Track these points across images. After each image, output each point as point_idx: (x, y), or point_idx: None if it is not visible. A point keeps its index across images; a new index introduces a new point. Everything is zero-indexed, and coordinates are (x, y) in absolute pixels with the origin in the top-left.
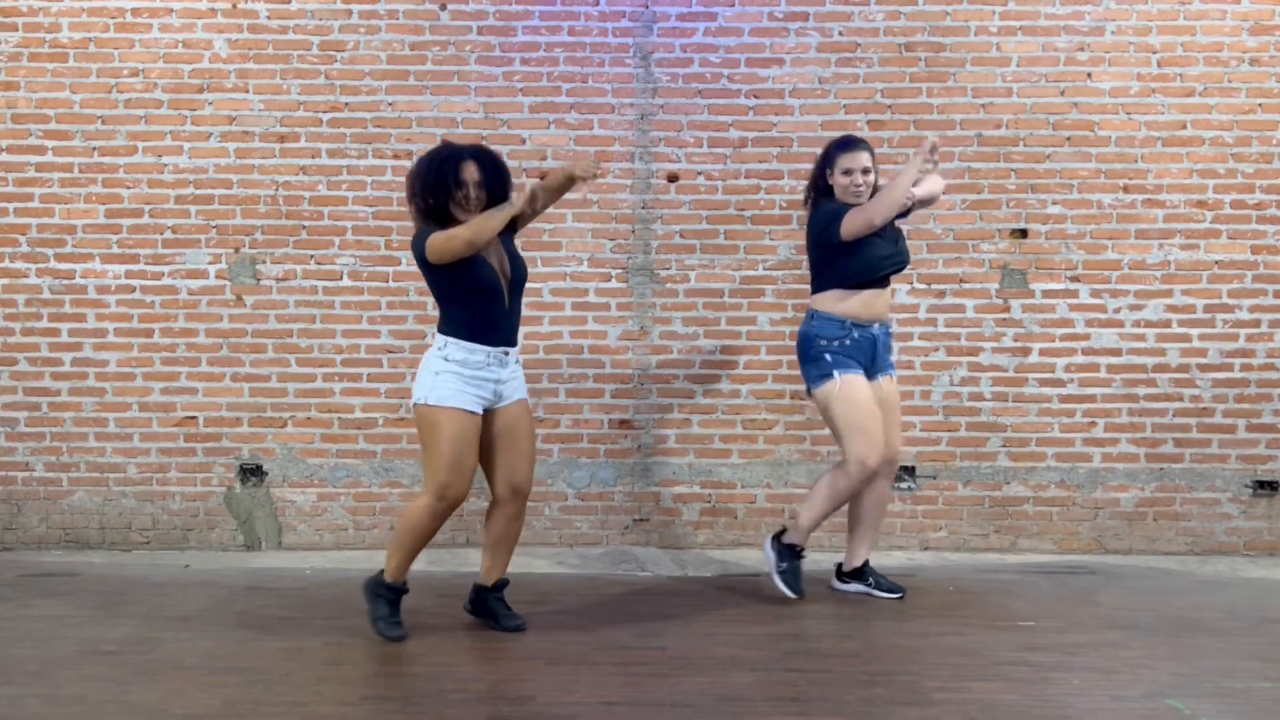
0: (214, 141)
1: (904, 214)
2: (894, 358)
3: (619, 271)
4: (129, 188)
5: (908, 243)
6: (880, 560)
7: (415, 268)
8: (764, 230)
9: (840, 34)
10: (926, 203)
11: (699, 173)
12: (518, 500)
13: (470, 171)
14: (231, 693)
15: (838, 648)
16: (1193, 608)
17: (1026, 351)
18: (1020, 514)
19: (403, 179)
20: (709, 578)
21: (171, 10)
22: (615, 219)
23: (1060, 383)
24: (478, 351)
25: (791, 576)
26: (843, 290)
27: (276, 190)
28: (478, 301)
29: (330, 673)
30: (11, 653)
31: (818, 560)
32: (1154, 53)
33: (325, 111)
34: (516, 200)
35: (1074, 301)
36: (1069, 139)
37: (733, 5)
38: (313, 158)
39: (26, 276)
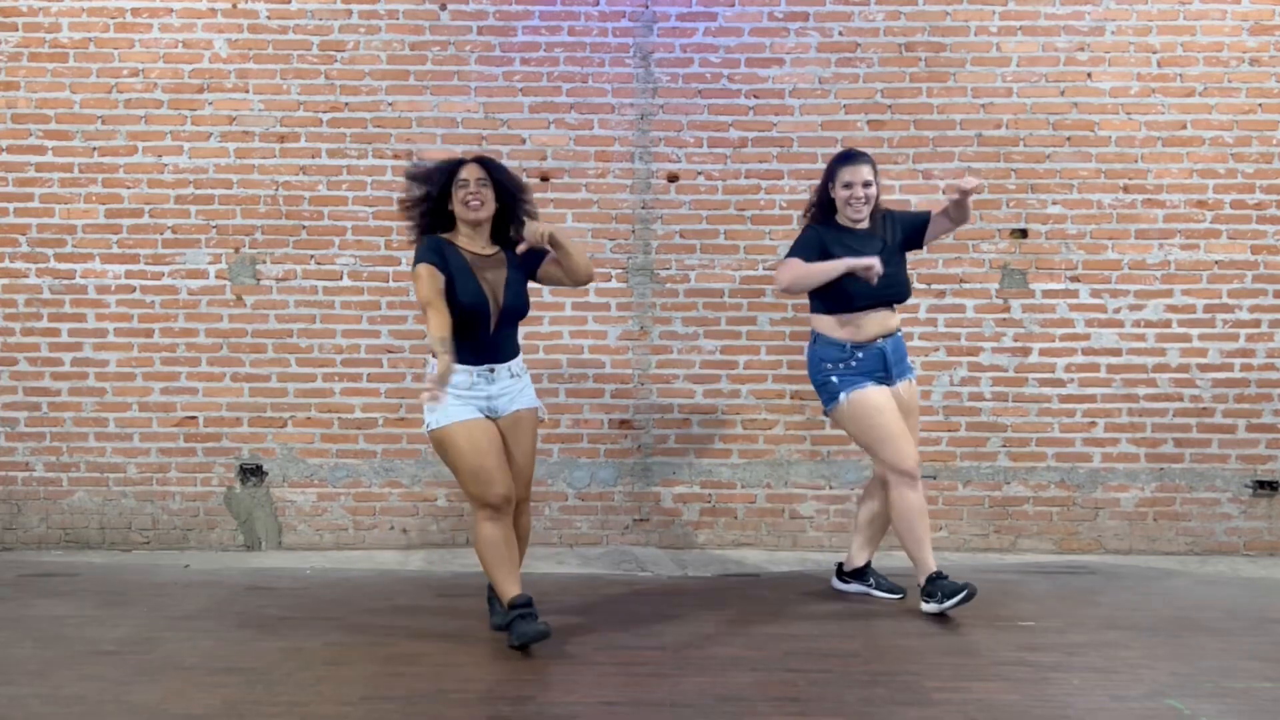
0: (214, 141)
1: (899, 299)
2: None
3: (619, 271)
4: (129, 188)
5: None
6: (880, 560)
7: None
8: (764, 230)
9: (840, 34)
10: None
11: (699, 173)
12: (508, 508)
13: (471, 170)
14: (231, 693)
15: (838, 648)
16: (1193, 608)
17: (1026, 351)
18: (1020, 514)
19: (403, 179)
20: (709, 578)
21: (171, 10)
22: (615, 219)
23: (1060, 383)
24: (460, 372)
25: (948, 592)
26: (835, 315)
27: (276, 190)
28: (462, 322)
29: (330, 673)
30: (11, 653)
31: (817, 560)
32: (1154, 53)
33: (325, 111)
34: (444, 363)
35: (1074, 301)
36: (1069, 139)
37: (733, 5)
38: (313, 158)
39: (26, 276)
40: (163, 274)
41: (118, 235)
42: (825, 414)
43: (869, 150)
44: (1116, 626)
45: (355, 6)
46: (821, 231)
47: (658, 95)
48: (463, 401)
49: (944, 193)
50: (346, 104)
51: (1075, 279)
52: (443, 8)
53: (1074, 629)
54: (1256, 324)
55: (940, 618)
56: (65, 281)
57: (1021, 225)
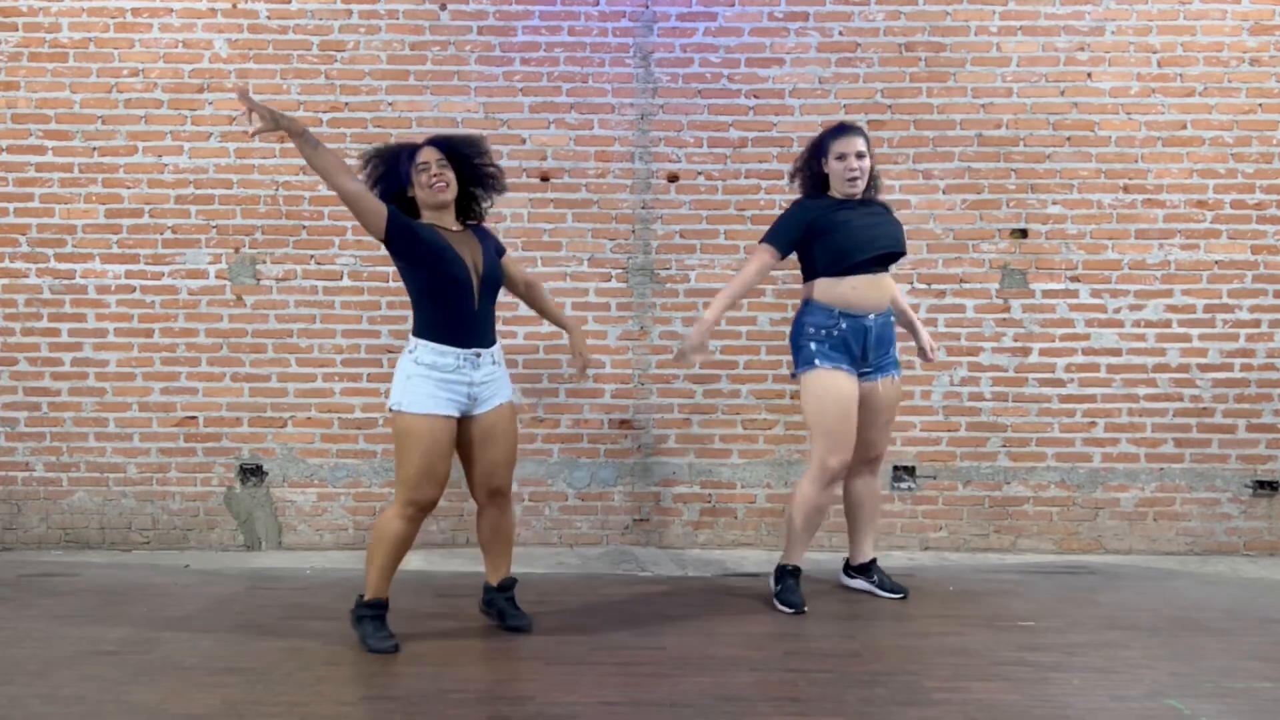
0: (214, 141)
1: (896, 253)
2: (896, 354)
3: (619, 271)
4: (129, 188)
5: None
6: (880, 560)
7: None
8: (764, 230)
9: (840, 34)
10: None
11: (699, 173)
12: (498, 501)
13: (429, 153)
14: (231, 693)
15: (838, 648)
16: (1193, 608)
17: (1026, 351)
18: (1020, 514)
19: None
20: (709, 578)
21: (171, 10)
22: (615, 219)
23: (1060, 383)
24: (447, 354)
25: (788, 594)
26: (830, 277)
27: (276, 190)
28: (446, 299)
29: (330, 673)
30: (11, 653)
31: (818, 560)
32: (1154, 53)
33: (325, 111)
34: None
35: (1074, 301)
36: (1069, 139)
37: (733, 5)
38: None
39: (26, 276)
40: (163, 274)
41: (118, 235)
42: (792, 375)
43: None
44: (1116, 626)
45: (355, 6)
46: (808, 207)
47: (658, 95)
48: (443, 391)
49: (921, 352)
50: (346, 104)
51: (1075, 279)
52: (443, 8)
53: (1074, 629)
54: (1256, 324)
55: (941, 618)
56: (65, 281)
57: (1021, 225)
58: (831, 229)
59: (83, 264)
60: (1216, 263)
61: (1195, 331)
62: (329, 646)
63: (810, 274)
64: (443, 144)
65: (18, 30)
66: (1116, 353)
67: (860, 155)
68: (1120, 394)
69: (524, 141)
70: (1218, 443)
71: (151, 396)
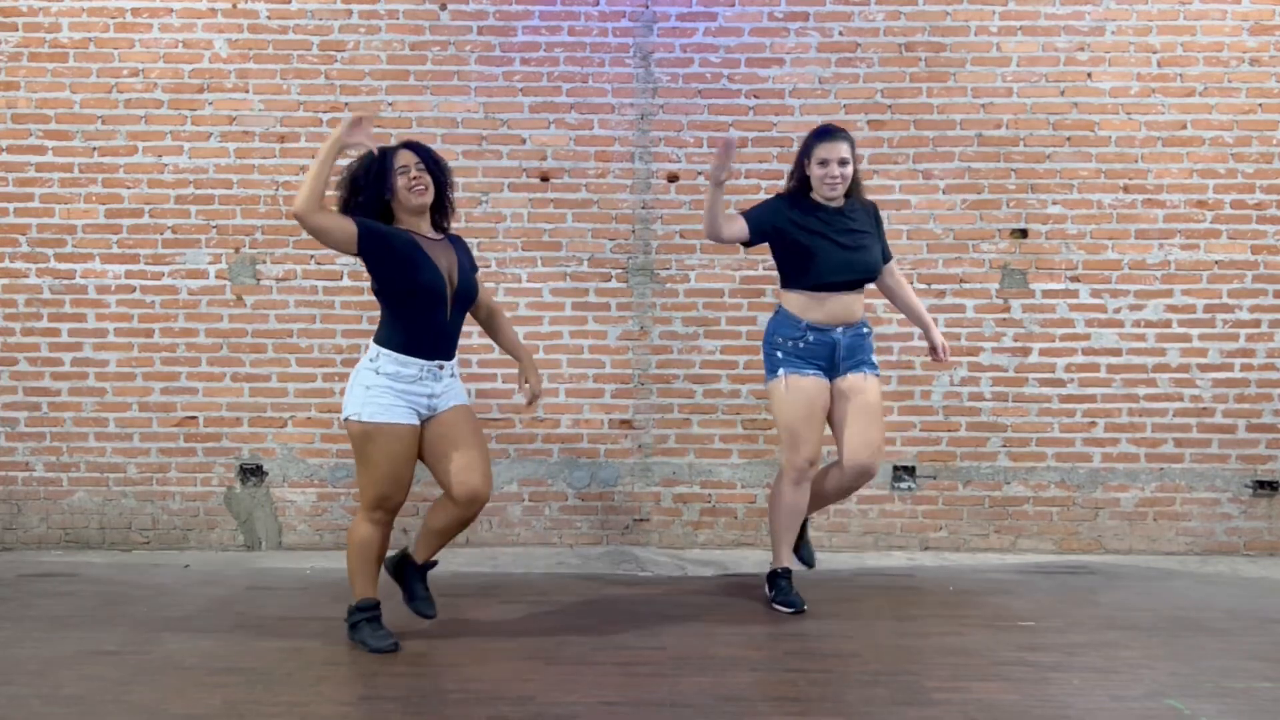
0: (214, 141)
1: (868, 278)
2: (876, 357)
3: (619, 271)
4: (129, 188)
5: (905, 242)
6: (880, 560)
7: None
8: None
9: (840, 34)
10: None
11: (699, 173)
12: (474, 507)
13: (408, 155)
14: (231, 693)
15: (838, 648)
16: (1193, 608)
17: (1026, 351)
18: (1020, 514)
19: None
20: (709, 578)
21: (171, 10)
22: (615, 219)
23: (1060, 383)
24: (410, 365)
25: (783, 595)
26: (799, 292)
27: (276, 190)
28: (418, 308)
29: (330, 673)
30: (11, 653)
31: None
32: (1154, 53)
33: (325, 111)
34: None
35: (1074, 301)
36: (1069, 139)
37: (733, 5)
38: (312, 158)
39: (26, 276)
40: (163, 274)
41: (118, 235)
42: (765, 384)
43: (869, 150)
44: (1116, 626)
45: (355, 6)
46: (784, 203)
47: (658, 95)
48: (402, 400)
49: (932, 350)
50: (346, 104)
51: (1075, 279)
52: (443, 8)
53: (1074, 629)
54: (1256, 324)
55: (941, 618)
56: (65, 281)
57: (1021, 225)
58: (803, 243)
59: (83, 264)
60: (1216, 263)
61: (1195, 331)
62: (329, 646)
63: (783, 282)
64: (420, 149)
65: (18, 30)
66: (1116, 353)
67: (843, 162)
68: (1120, 394)
69: (524, 141)
70: (1218, 443)
71: (151, 396)
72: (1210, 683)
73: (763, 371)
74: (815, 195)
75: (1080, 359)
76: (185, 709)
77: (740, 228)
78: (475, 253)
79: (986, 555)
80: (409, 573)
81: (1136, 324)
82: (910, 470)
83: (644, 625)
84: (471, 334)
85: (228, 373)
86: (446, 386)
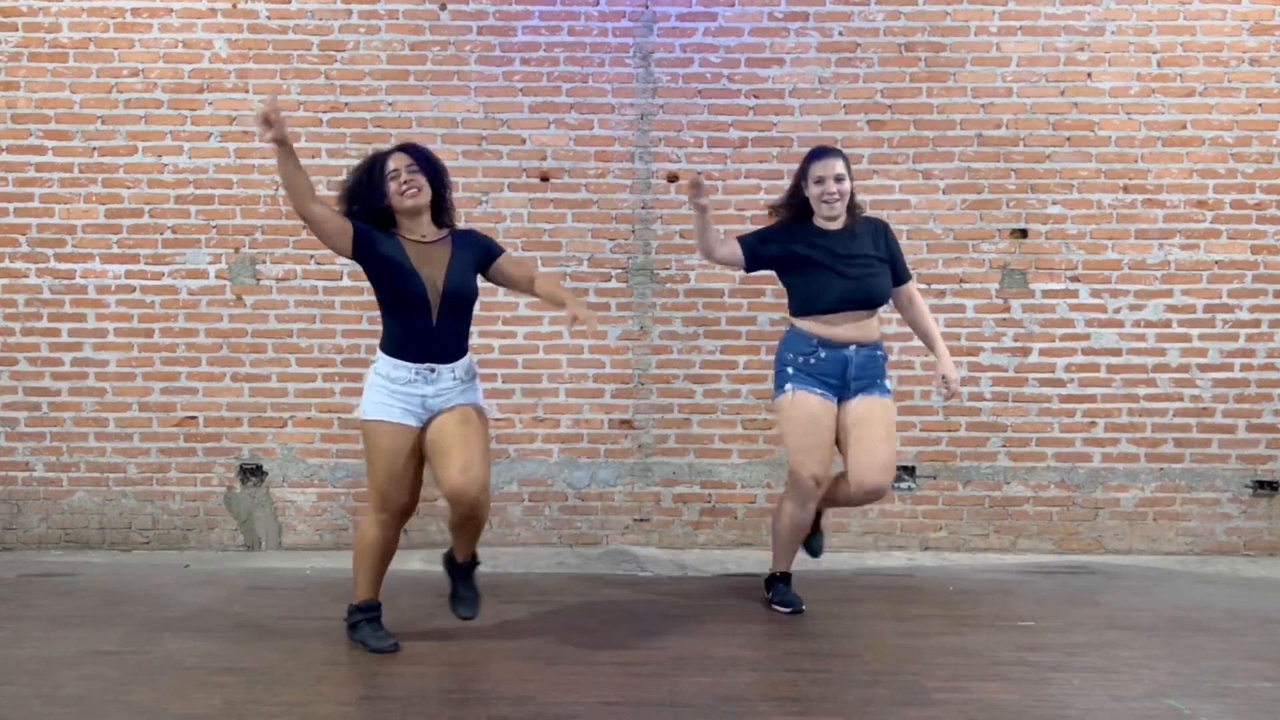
0: (214, 141)
1: (873, 305)
2: (889, 381)
3: (619, 271)
4: (129, 188)
5: (906, 242)
6: (880, 560)
7: None
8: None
9: (840, 34)
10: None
11: (699, 173)
12: (462, 505)
13: (399, 159)
14: (231, 693)
15: (838, 648)
16: (1193, 608)
17: (1026, 351)
18: (1020, 514)
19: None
20: (709, 578)
21: (171, 10)
22: (615, 219)
23: (1060, 383)
24: (401, 368)
25: (780, 595)
26: (806, 318)
27: (276, 190)
28: (403, 314)
29: (330, 673)
30: (11, 653)
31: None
32: (1154, 53)
33: (325, 111)
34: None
35: (1074, 301)
36: (1069, 139)
37: (733, 5)
38: (313, 158)
39: (26, 276)
40: (163, 274)
41: (118, 235)
42: (772, 401)
43: (869, 150)
44: (1116, 626)
45: (355, 6)
46: (784, 232)
47: (658, 95)
48: (396, 399)
49: (937, 387)
50: (346, 104)
51: (1075, 279)
52: (443, 8)
53: (1074, 629)
54: (1256, 324)
55: (941, 618)
56: (65, 281)
57: (1021, 225)
58: (802, 274)
59: (83, 264)
60: (1216, 263)
61: (1195, 331)
62: (329, 646)
63: (793, 309)
64: (413, 150)
65: (18, 30)
66: (1116, 353)
67: (839, 178)
68: (1120, 394)
69: (524, 141)
70: (1218, 443)
71: (151, 396)
72: (1210, 683)
73: (763, 371)
74: (816, 219)
75: (1080, 359)
76: (185, 709)
77: (734, 251)
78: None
79: (986, 555)
80: (450, 570)
81: (1136, 324)
82: (910, 470)
83: (644, 625)
84: (473, 334)
85: (228, 373)
86: (445, 389)
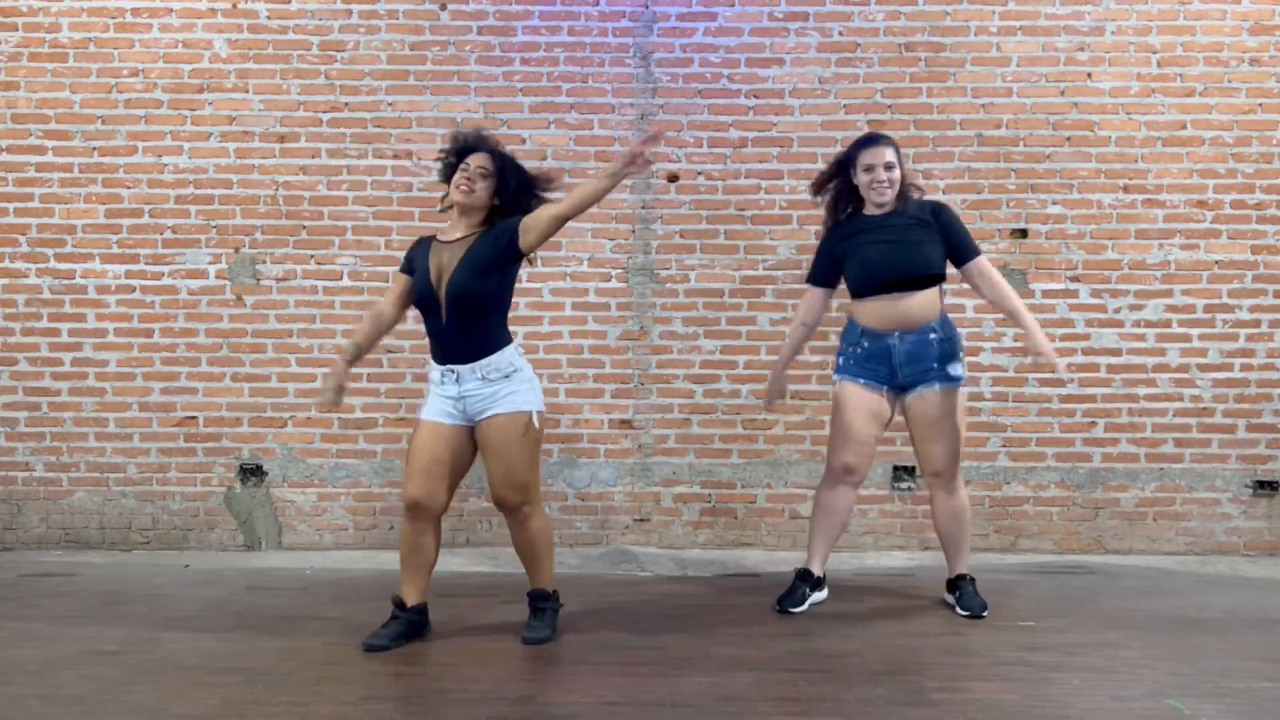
0: (214, 141)
1: (912, 277)
2: (952, 370)
3: (619, 271)
4: (129, 188)
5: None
6: (880, 560)
7: None
8: (764, 230)
9: (840, 34)
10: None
11: (699, 173)
12: (507, 513)
13: (476, 158)
14: (231, 693)
15: (838, 648)
16: (1193, 608)
17: (1027, 351)
18: (1020, 514)
19: (403, 179)
20: (709, 578)
21: (171, 10)
22: (615, 219)
23: (1060, 383)
24: (434, 369)
25: (787, 596)
26: (855, 301)
27: (276, 190)
28: (425, 317)
29: (330, 673)
30: (11, 653)
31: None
32: (1154, 53)
33: (325, 111)
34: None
35: (1074, 301)
36: (1069, 139)
37: (733, 5)
38: (313, 158)
39: (26, 276)
40: (163, 274)
41: (118, 235)
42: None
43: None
44: (1116, 626)
45: (355, 6)
46: (833, 242)
47: (658, 95)
48: (435, 400)
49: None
50: (346, 104)
51: (1075, 279)
52: (443, 8)
53: (1074, 629)
54: (1256, 324)
55: (941, 618)
56: (65, 281)
57: (1021, 225)
58: (848, 255)
59: (83, 264)
60: (1216, 263)
61: (1195, 331)
62: (329, 646)
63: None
64: (495, 156)
65: (18, 30)
66: (1116, 353)
67: (889, 166)
68: (1120, 394)
69: (524, 141)
70: (1218, 443)
71: (151, 396)
72: (1210, 683)
73: (763, 371)
74: (866, 207)
75: (1080, 359)
76: (185, 709)
77: (809, 296)
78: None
79: (986, 555)
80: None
81: (1136, 324)
82: (910, 470)
83: (644, 625)
84: None
85: (228, 373)
86: (472, 390)
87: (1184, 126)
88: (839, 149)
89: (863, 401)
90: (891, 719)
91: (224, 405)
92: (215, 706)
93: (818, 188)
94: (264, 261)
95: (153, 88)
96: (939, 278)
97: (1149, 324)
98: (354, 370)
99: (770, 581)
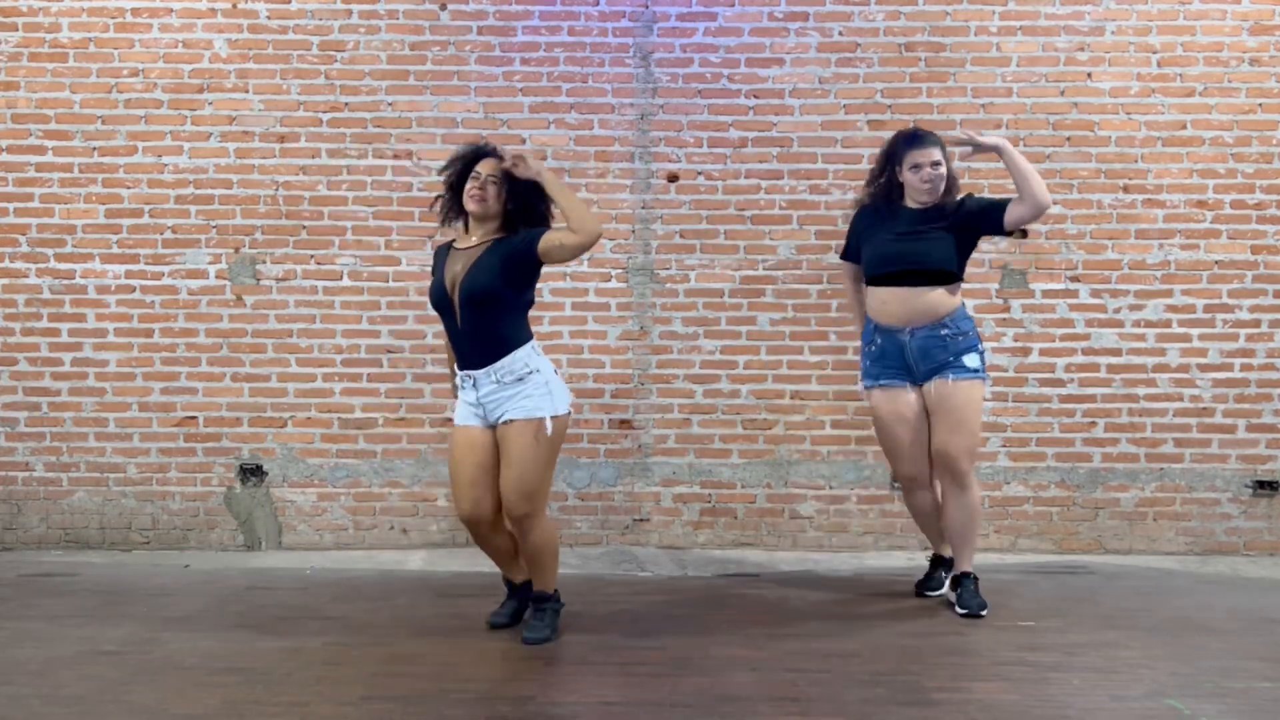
0: (214, 141)
1: (921, 270)
2: (972, 357)
3: (619, 271)
4: (129, 188)
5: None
6: (880, 560)
7: (415, 268)
8: (764, 230)
9: (840, 34)
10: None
11: (699, 173)
12: (511, 520)
13: (486, 165)
14: (231, 693)
15: (838, 648)
16: (1193, 608)
17: (1026, 351)
18: (1020, 514)
19: (403, 179)
20: (709, 578)
21: (171, 10)
22: (615, 219)
23: (1060, 383)
24: (458, 374)
25: (931, 583)
26: (869, 289)
27: (276, 190)
28: (442, 320)
29: (330, 673)
30: (11, 653)
31: (817, 560)
32: (1154, 53)
33: (325, 111)
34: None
35: (1074, 301)
36: (1069, 139)
37: (733, 5)
38: (313, 158)
39: (26, 276)
40: (163, 274)
41: (118, 235)
42: None
43: (869, 150)
44: (1116, 626)
45: (355, 6)
46: (859, 214)
47: (658, 95)
48: (460, 404)
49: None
50: (346, 104)
51: (1075, 279)
52: (443, 8)
53: (1074, 629)
54: (1256, 324)
55: (941, 618)
56: (65, 281)
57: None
58: (865, 240)
59: (83, 264)
60: (1216, 263)
61: (1195, 331)
62: (329, 646)
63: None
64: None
65: (18, 30)
66: (1116, 353)
67: (936, 164)
68: (1120, 394)
69: (524, 141)
70: (1218, 443)
71: (151, 396)
72: (1210, 683)
73: (763, 371)
74: (908, 200)
75: (1080, 359)
76: (185, 709)
77: (845, 273)
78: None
79: (986, 555)
80: (524, 597)
81: (1136, 324)
82: None
83: (644, 625)
84: None
85: (228, 373)
86: (489, 394)
87: (1184, 126)
88: (839, 149)
89: (894, 409)
90: (891, 719)
91: (224, 405)
92: (215, 706)
93: (869, 183)
94: (264, 261)
95: (153, 88)
96: (953, 275)
97: (1149, 324)
98: (352, 370)
99: (770, 581)
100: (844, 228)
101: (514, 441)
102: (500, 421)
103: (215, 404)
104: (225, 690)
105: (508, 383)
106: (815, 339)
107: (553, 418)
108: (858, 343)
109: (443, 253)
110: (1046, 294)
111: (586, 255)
